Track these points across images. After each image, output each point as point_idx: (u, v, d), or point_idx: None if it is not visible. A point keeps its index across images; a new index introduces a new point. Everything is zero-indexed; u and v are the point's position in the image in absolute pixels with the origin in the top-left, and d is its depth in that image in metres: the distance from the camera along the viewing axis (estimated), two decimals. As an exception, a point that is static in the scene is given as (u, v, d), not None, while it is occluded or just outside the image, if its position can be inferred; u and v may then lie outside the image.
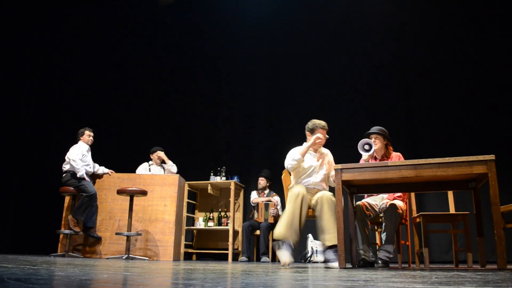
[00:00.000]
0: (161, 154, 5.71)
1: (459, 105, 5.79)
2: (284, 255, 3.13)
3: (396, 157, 3.68)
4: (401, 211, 3.48)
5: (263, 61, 6.97)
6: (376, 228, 3.99)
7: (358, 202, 3.58)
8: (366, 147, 3.41)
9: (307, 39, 6.80)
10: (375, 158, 3.73)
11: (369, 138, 3.63)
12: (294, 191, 3.30)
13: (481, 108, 5.66)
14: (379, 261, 3.37)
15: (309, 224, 5.51)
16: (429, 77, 6.03)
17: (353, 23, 6.59)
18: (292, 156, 3.54)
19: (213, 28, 7.36)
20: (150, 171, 5.70)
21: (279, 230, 3.20)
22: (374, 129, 3.73)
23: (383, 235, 3.44)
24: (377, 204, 3.61)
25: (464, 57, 5.91)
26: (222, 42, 7.29)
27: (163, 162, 5.78)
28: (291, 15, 6.99)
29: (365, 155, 3.41)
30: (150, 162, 5.82)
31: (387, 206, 3.46)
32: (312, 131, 3.66)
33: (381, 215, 3.55)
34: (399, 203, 3.52)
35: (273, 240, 3.27)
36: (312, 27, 6.83)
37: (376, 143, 3.62)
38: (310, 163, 3.63)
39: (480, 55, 5.82)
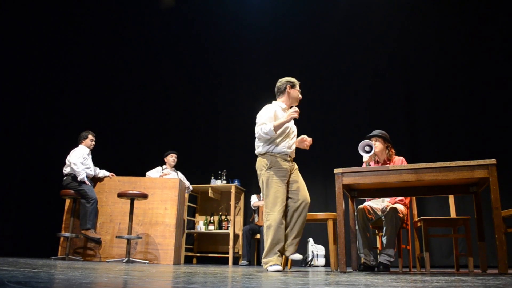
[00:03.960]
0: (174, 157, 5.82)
1: (460, 109, 5.79)
2: (276, 268, 3.05)
3: (399, 161, 3.69)
4: (402, 215, 3.48)
5: (264, 64, 6.97)
6: (377, 232, 3.99)
7: (360, 206, 3.58)
8: (367, 148, 3.42)
9: (308, 42, 6.82)
10: (377, 162, 3.73)
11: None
12: (275, 220, 3.12)
13: (483, 112, 5.65)
14: (380, 265, 3.37)
15: (309, 228, 5.53)
16: (430, 80, 6.04)
17: (354, 26, 6.60)
18: (265, 130, 3.21)
19: (214, 30, 7.38)
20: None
21: (268, 259, 3.09)
22: (374, 132, 3.76)
23: (384, 239, 3.44)
24: (379, 208, 3.61)
25: (466, 60, 5.91)
26: (223, 45, 7.30)
27: (175, 166, 5.81)
28: (291, 19, 7.01)
29: (365, 156, 3.43)
30: (164, 166, 5.82)
31: (388, 209, 3.47)
32: (294, 86, 3.47)
33: (383, 218, 3.55)
34: (400, 207, 3.52)
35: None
36: (312, 30, 6.84)
37: (376, 146, 3.63)
38: (287, 124, 3.37)
39: (482, 58, 5.82)
